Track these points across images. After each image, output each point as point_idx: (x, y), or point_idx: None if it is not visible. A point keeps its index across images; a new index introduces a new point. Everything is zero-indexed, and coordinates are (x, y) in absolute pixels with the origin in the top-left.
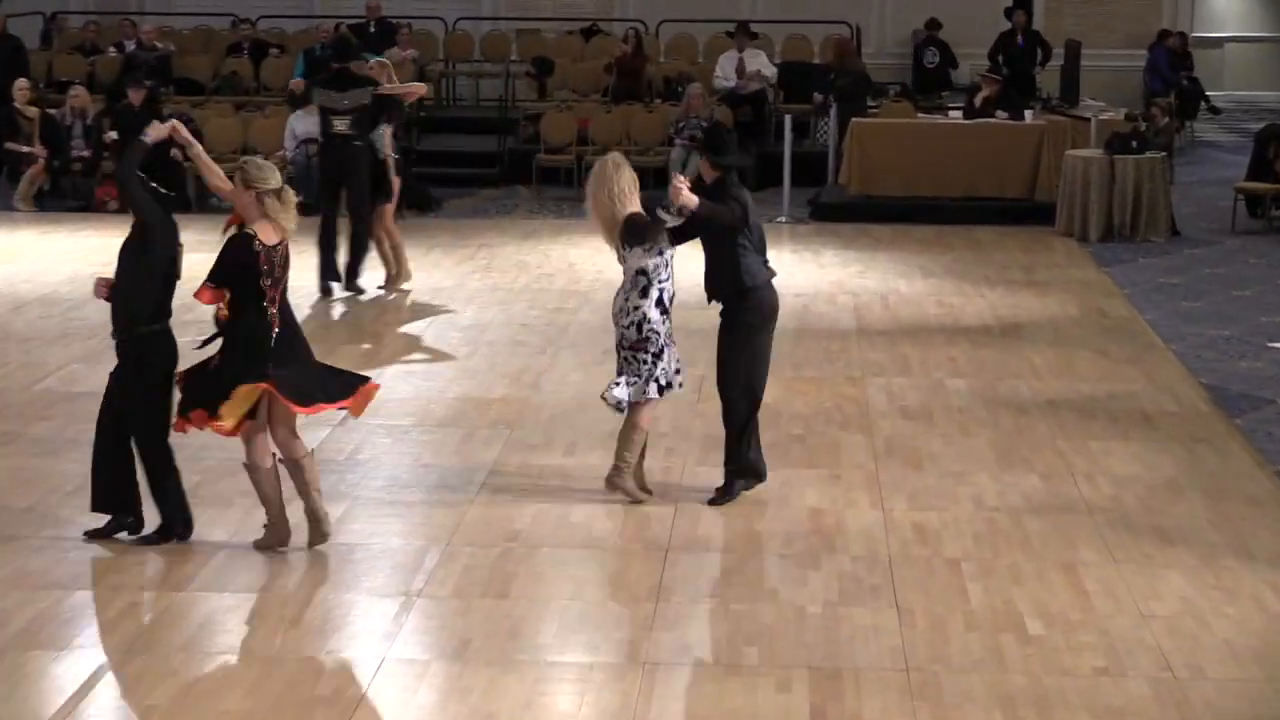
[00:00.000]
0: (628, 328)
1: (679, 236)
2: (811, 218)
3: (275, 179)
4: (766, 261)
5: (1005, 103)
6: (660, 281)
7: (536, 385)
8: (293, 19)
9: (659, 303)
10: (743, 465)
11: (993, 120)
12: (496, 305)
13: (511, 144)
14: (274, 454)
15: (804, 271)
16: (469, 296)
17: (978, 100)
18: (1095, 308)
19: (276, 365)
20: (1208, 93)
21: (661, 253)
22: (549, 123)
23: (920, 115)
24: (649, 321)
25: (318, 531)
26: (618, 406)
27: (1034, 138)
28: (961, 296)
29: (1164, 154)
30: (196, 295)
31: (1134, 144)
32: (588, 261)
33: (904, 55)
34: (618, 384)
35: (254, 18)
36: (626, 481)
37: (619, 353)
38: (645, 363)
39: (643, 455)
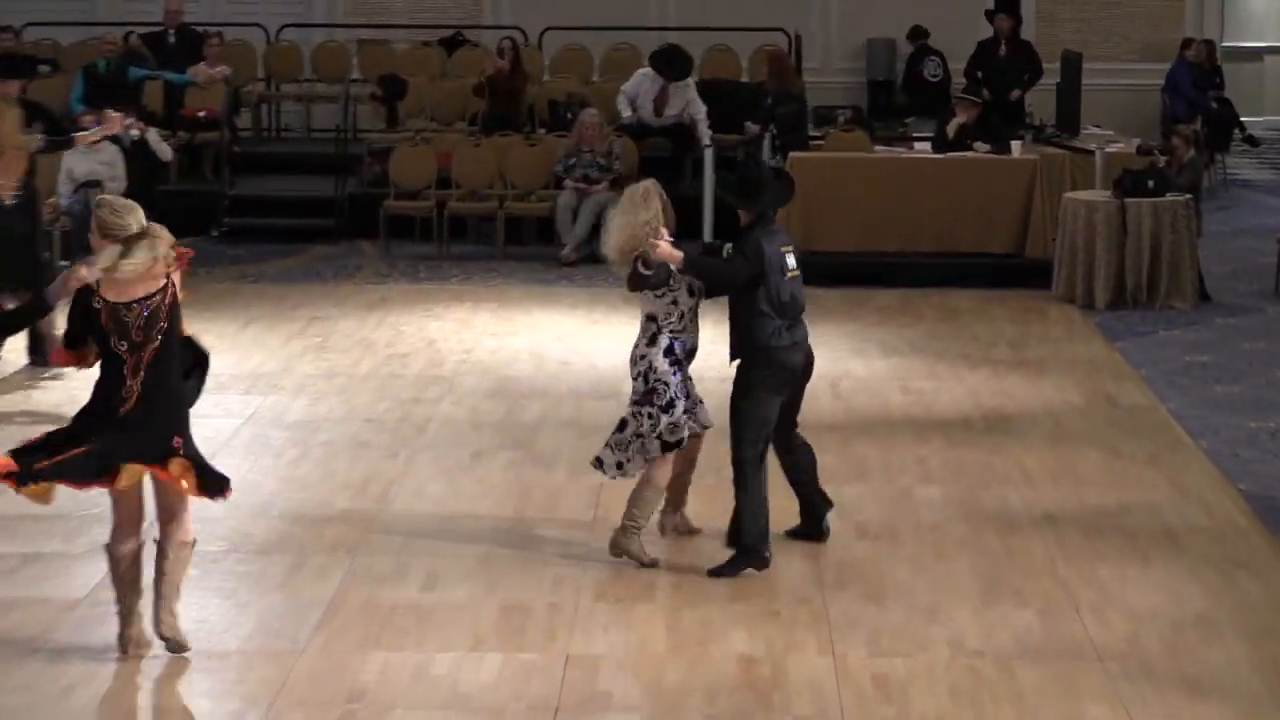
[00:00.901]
0: (635, 378)
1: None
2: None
3: (134, 222)
4: (792, 325)
5: (985, 132)
6: (672, 330)
7: (386, 498)
8: (69, 27)
9: (669, 351)
10: (746, 545)
11: (970, 155)
12: (334, 395)
13: (353, 187)
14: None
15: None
16: (298, 384)
17: (950, 129)
18: (1104, 394)
19: (105, 439)
20: (1243, 119)
21: (675, 302)
22: (401, 160)
23: (878, 148)
24: (655, 371)
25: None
26: (602, 469)
27: (1023, 177)
28: (934, 380)
29: (1189, 196)
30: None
31: (1151, 184)
32: (452, 337)
33: (855, 71)
34: (608, 446)
35: (18, 25)
36: (633, 544)
37: (630, 404)
38: (650, 417)
39: (684, 502)
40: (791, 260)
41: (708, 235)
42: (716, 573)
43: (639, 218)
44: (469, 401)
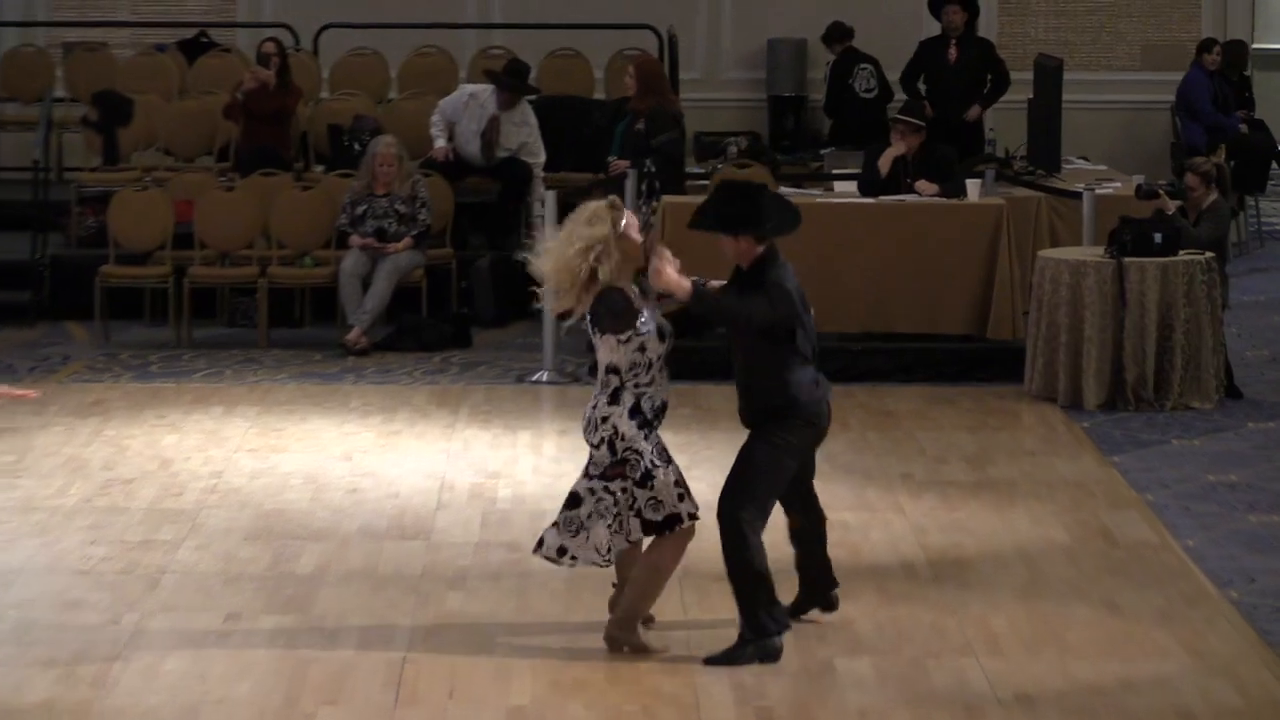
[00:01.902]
0: (598, 446)
1: (684, 324)
2: (592, 375)
3: None
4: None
5: (931, 167)
6: (639, 385)
7: (105, 682)
8: None
9: (635, 411)
10: (750, 623)
11: (911, 199)
12: (32, 537)
13: (57, 247)
14: None
15: (570, 470)
16: None
17: (883, 163)
18: (1096, 527)
19: None
20: None
21: (643, 349)
22: (124, 210)
23: (783, 190)
24: (622, 438)
25: None
26: (555, 557)
27: (984, 229)
28: (863, 511)
29: (1210, 255)
30: None
31: (1158, 238)
32: (195, 456)
33: (752, 84)
34: (554, 525)
35: None
36: (633, 636)
37: (587, 476)
38: (624, 492)
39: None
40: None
41: (549, 314)
42: (714, 660)
43: (589, 232)
44: (220, 545)
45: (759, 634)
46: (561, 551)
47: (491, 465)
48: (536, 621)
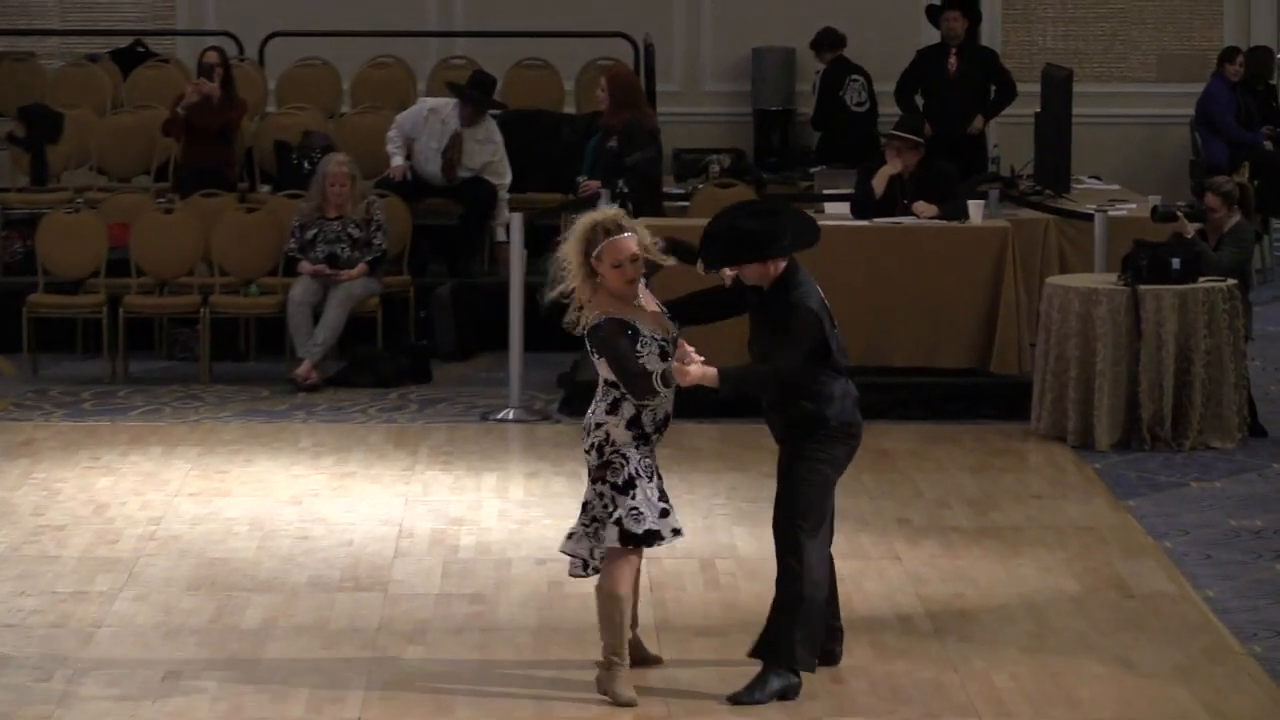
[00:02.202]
0: (589, 450)
1: (687, 312)
2: (564, 410)
3: None
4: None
5: (930, 186)
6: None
7: None
8: None
9: (634, 424)
10: (781, 653)
11: (909, 222)
12: None
13: None
14: None
15: (553, 514)
16: None
17: (878, 183)
18: (1109, 576)
19: None
20: None
21: (645, 369)
22: (54, 234)
23: None
24: (612, 444)
25: None
26: (581, 573)
27: (988, 254)
28: (856, 559)
29: (1233, 282)
30: None
31: (1176, 264)
32: (132, 500)
33: (736, 97)
34: (570, 536)
35: None
36: (615, 683)
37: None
38: (602, 497)
39: (635, 622)
40: None
41: (516, 346)
42: (738, 699)
43: (585, 220)
44: (159, 597)
45: (785, 663)
46: (584, 565)
47: (453, 510)
48: (501, 678)
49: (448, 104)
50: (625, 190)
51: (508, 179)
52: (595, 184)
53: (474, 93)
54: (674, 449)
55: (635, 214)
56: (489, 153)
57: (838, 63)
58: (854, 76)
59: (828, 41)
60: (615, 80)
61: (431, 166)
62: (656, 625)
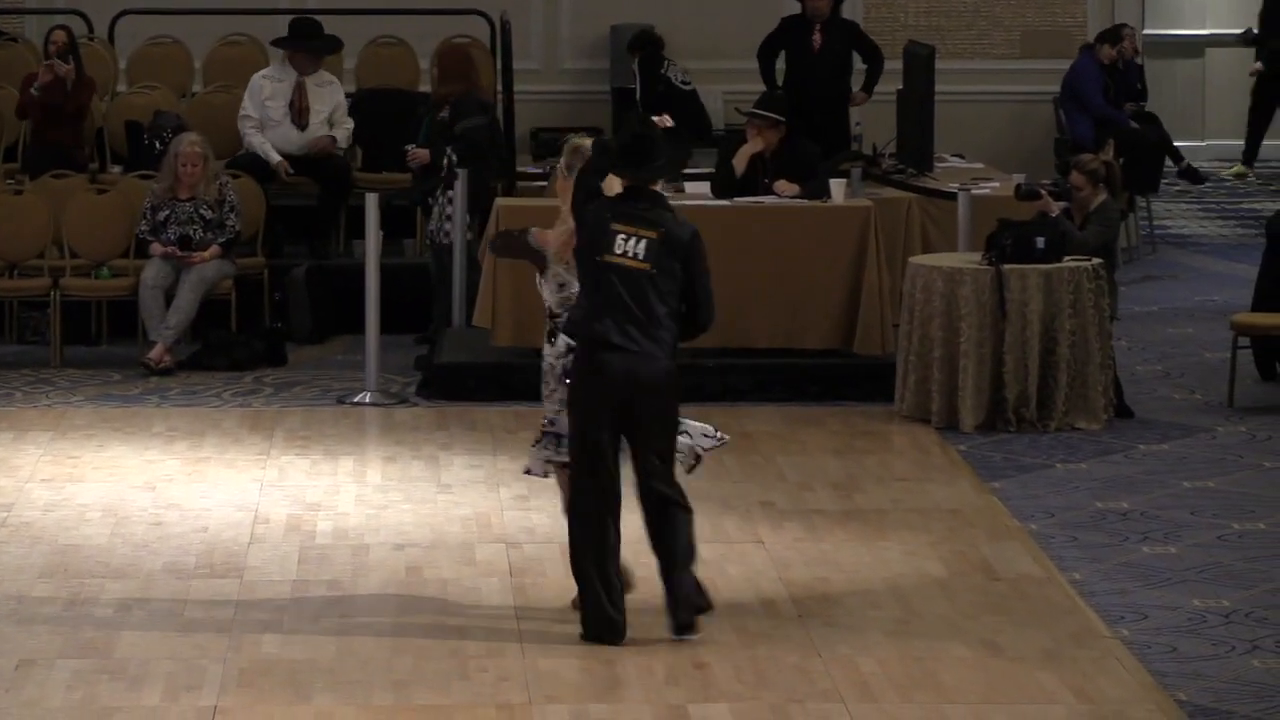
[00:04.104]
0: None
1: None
2: (421, 394)
3: None
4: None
5: (791, 165)
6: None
7: None
8: None
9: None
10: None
11: (770, 201)
12: None
13: None
14: None
15: (411, 499)
16: None
17: (739, 161)
18: (975, 559)
19: None
20: (1177, 143)
21: (563, 286)
22: None
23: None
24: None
25: None
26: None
27: (850, 233)
28: (721, 543)
29: (1098, 261)
30: None
31: (1041, 242)
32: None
33: (593, 75)
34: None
35: None
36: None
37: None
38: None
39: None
40: (631, 244)
41: (372, 328)
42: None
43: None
44: (10, 584)
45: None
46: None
47: (310, 496)
48: (360, 665)
49: (278, 66)
50: (454, 159)
51: (350, 125)
52: (424, 152)
53: (299, 41)
54: (533, 431)
55: (475, 185)
56: (334, 95)
57: (652, 53)
58: (671, 61)
59: (642, 42)
60: (443, 56)
61: (284, 129)
62: (517, 612)
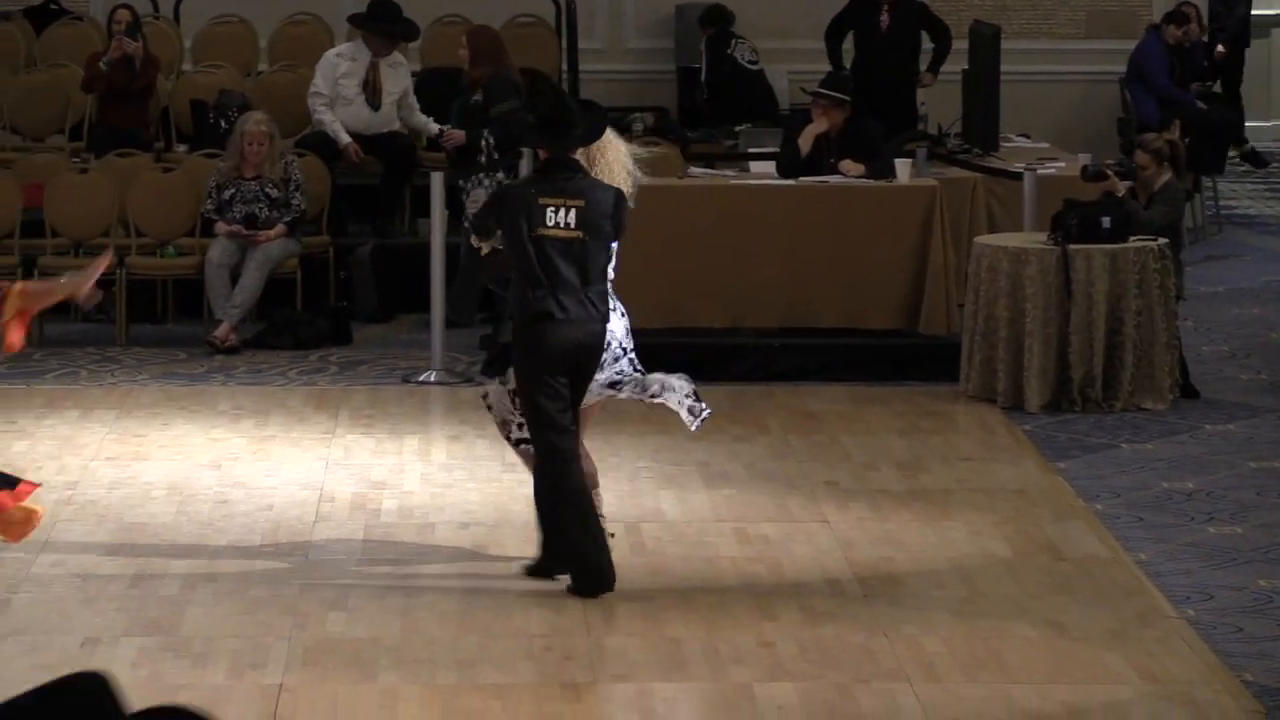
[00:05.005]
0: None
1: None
2: (485, 373)
3: None
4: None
5: (855, 145)
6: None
7: None
8: None
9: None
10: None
11: (835, 181)
12: None
13: None
14: None
15: (476, 477)
16: None
17: (804, 141)
18: (1040, 539)
19: None
20: (1248, 124)
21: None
22: None
23: (694, 171)
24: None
25: None
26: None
27: (915, 214)
28: (785, 523)
29: (1164, 241)
30: None
31: (1107, 223)
32: (48, 464)
33: (658, 54)
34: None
35: None
36: None
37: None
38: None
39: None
40: (561, 215)
41: (437, 307)
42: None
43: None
44: (76, 562)
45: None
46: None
47: (375, 474)
48: (425, 645)
49: (353, 45)
50: (491, 142)
51: (417, 110)
52: (459, 134)
53: (376, 23)
54: (599, 412)
55: (501, 163)
56: (405, 78)
57: (722, 30)
58: (740, 39)
59: (713, 19)
60: (474, 37)
61: (357, 108)
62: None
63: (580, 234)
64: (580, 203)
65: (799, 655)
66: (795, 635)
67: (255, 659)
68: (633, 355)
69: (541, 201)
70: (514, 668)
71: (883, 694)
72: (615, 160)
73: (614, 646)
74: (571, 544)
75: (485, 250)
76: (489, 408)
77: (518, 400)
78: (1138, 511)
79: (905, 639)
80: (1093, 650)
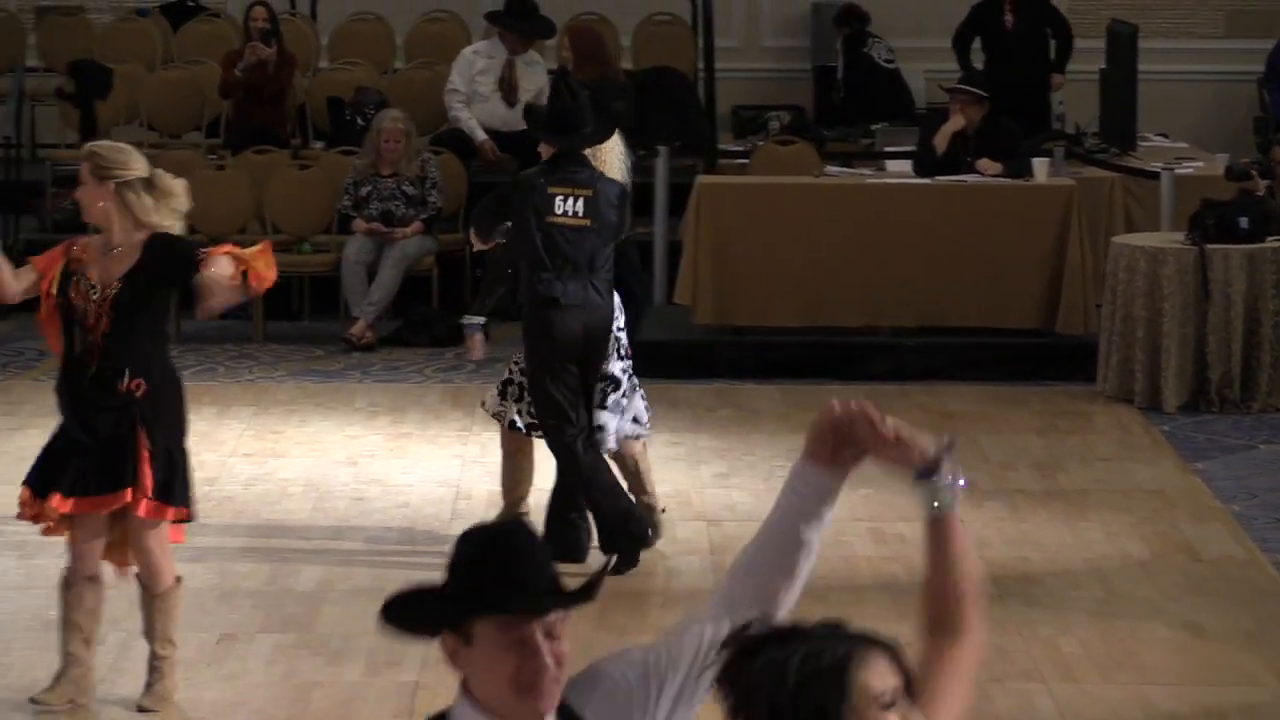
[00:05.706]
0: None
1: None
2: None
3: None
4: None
5: (993, 143)
6: None
7: (89, 709)
8: None
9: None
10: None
11: (972, 180)
12: (6, 552)
13: (30, 231)
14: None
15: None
16: None
17: (941, 139)
18: (1177, 540)
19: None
20: None
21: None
22: None
23: (831, 170)
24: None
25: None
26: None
27: (1052, 213)
28: (917, 522)
29: None
30: None
31: (1245, 223)
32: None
33: (794, 53)
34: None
35: None
36: None
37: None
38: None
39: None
40: (570, 204)
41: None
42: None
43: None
44: (213, 559)
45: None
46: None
47: None
48: None
49: (490, 42)
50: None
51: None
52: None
53: (514, 20)
54: (733, 409)
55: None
56: (539, 74)
57: (858, 29)
58: (876, 38)
59: (849, 18)
60: (576, 37)
61: (493, 105)
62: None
63: (588, 221)
64: (589, 192)
65: None
66: None
67: (391, 656)
68: (630, 364)
69: (551, 190)
70: None
71: (1018, 694)
72: (613, 162)
73: None
74: (614, 505)
75: (478, 247)
76: (491, 415)
77: (508, 389)
78: (1275, 513)
79: (1041, 639)
80: (1230, 652)
